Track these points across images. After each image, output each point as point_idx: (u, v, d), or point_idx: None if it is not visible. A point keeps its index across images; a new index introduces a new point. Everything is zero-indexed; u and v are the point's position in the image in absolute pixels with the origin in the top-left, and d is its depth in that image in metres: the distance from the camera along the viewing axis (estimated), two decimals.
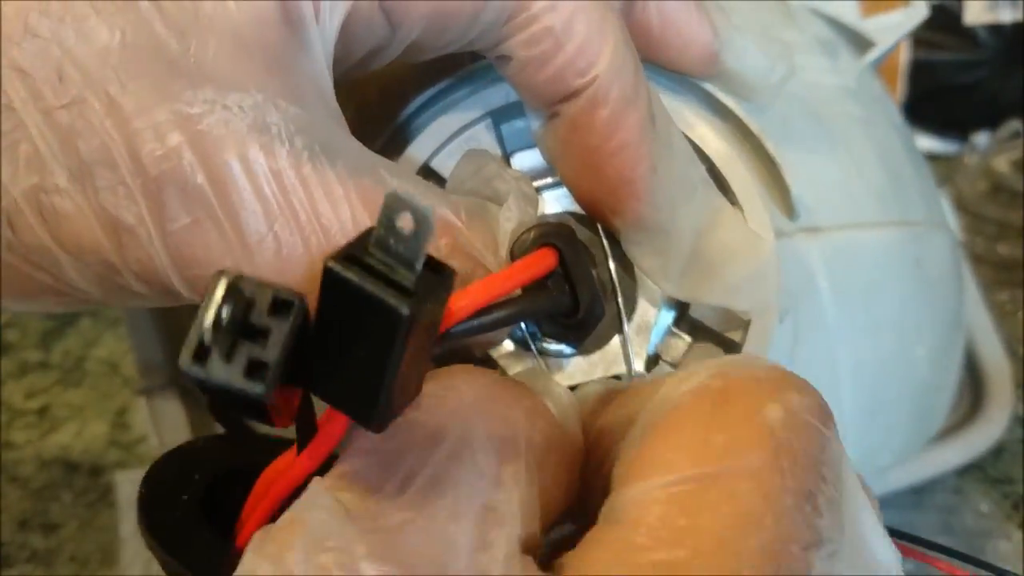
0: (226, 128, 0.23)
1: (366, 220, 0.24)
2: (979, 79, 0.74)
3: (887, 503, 0.53)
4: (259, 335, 0.19)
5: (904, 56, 0.73)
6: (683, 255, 0.29)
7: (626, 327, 0.30)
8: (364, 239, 0.19)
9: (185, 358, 0.18)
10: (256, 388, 0.18)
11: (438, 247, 0.26)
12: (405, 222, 0.19)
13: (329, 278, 0.19)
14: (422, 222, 0.19)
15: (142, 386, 0.43)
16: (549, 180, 0.32)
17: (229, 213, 0.23)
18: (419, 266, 0.19)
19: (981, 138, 0.73)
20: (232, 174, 0.23)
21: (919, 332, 0.40)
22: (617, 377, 0.31)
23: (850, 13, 0.48)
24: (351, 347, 0.19)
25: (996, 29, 0.73)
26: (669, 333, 0.33)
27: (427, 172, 0.34)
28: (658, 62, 0.33)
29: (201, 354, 0.18)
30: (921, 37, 0.71)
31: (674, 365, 0.33)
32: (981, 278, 0.59)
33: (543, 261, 0.26)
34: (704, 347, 0.33)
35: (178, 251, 0.24)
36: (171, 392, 0.42)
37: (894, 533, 0.30)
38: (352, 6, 0.25)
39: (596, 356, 0.31)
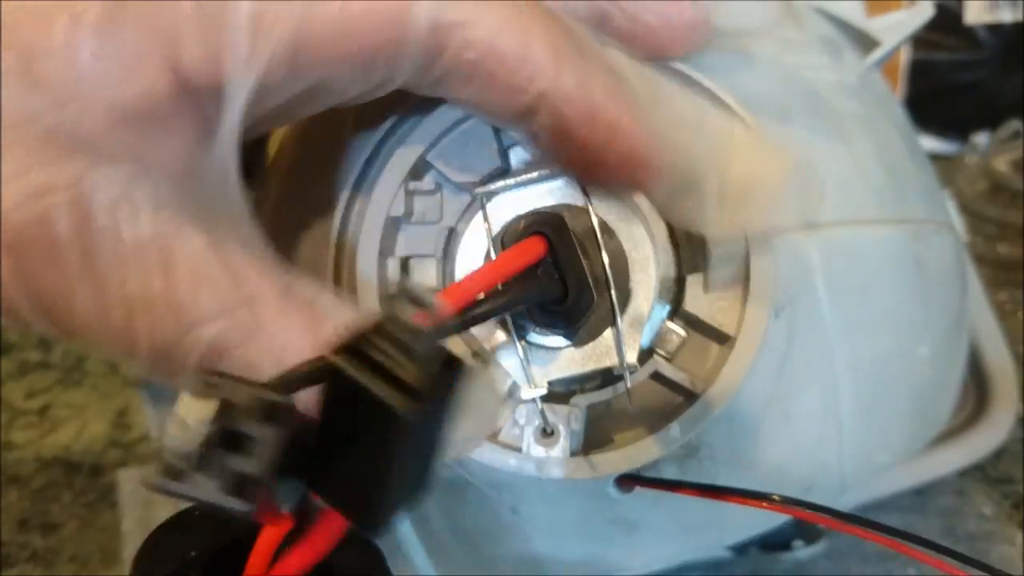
0: (94, 196, 0.24)
1: (233, 295, 0.24)
2: (979, 79, 0.74)
3: (889, 505, 0.53)
4: (241, 442, 0.17)
5: (904, 56, 0.73)
6: (713, 195, 0.29)
7: (619, 319, 0.30)
8: (374, 327, 0.18)
9: (157, 475, 0.17)
10: (243, 507, 0.17)
11: None
12: (416, 316, 0.18)
13: (331, 375, 0.18)
14: (434, 314, 0.18)
15: (142, 379, 0.42)
16: (546, 171, 0.32)
17: (93, 279, 0.24)
18: (428, 364, 0.18)
19: (981, 138, 0.73)
20: (95, 242, 0.24)
21: (919, 331, 0.40)
22: (609, 370, 0.31)
23: (855, 12, 0.48)
24: (353, 444, 0.18)
25: (996, 29, 0.72)
26: (664, 327, 0.33)
27: (424, 165, 0.34)
28: (651, 52, 0.33)
29: (175, 472, 0.17)
30: (921, 37, 0.71)
31: (668, 359, 0.33)
32: (981, 278, 0.59)
33: (532, 249, 0.26)
34: (699, 340, 0.33)
35: (46, 311, 0.24)
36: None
37: (897, 534, 0.30)
38: (263, 73, 0.26)
39: (588, 348, 0.31)
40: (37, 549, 0.55)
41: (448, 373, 0.19)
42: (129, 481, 0.58)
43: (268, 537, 0.22)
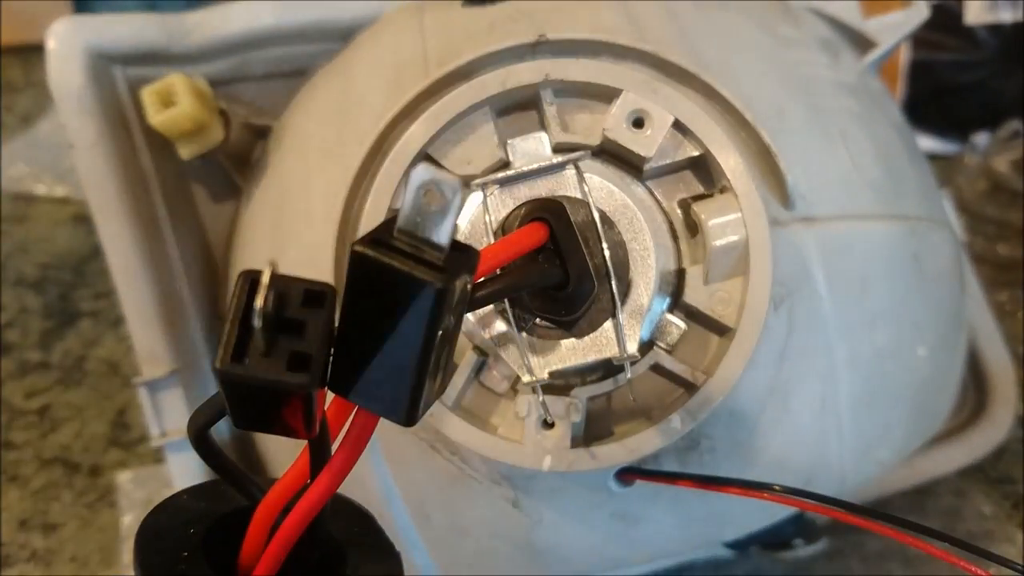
0: None
1: None
2: (979, 79, 0.74)
3: (889, 505, 0.53)
4: (295, 329, 0.19)
5: (904, 56, 0.73)
6: None
7: (619, 310, 0.30)
8: (389, 225, 0.19)
9: (224, 358, 0.18)
10: (301, 379, 0.18)
11: None
12: (432, 198, 0.19)
13: (357, 262, 0.19)
14: (450, 194, 0.19)
15: (142, 379, 0.42)
16: (546, 164, 0.32)
17: None
18: (446, 242, 0.19)
19: (981, 138, 0.73)
20: None
21: (917, 326, 0.40)
22: (609, 361, 0.31)
23: (851, 13, 0.49)
24: (382, 337, 0.19)
25: (996, 29, 0.73)
26: (664, 318, 0.33)
27: (425, 158, 0.34)
28: None
29: (239, 353, 0.18)
30: (921, 37, 0.71)
31: (668, 350, 0.33)
32: (981, 278, 0.59)
33: (534, 235, 0.26)
34: (699, 332, 0.34)
35: None
36: (173, 382, 0.42)
37: (903, 523, 0.30)
38: None
39: (588, 339, 0.31)
40: (37, 549, 0.55)
41: (463, 256, 0.20)
42: (128, 483, 0.58)
43: (266, 507, 0.22)
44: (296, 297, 0.19)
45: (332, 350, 0.19)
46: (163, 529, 0.25)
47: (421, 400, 0.20)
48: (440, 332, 0.19)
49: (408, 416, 0.20)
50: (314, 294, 0.19)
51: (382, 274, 0.19)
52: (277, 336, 0.18)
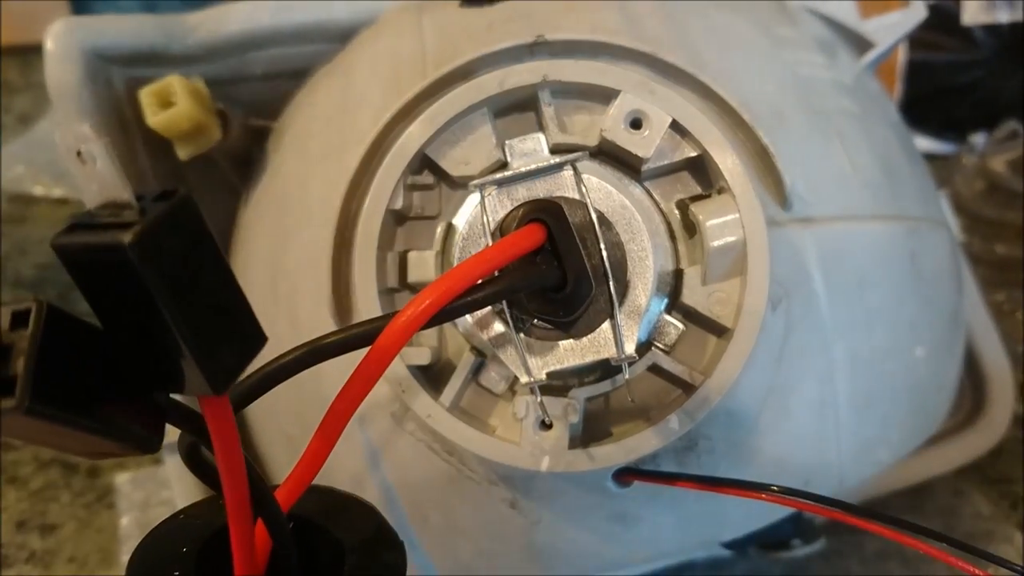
0: None
1: None
2: (976, 79, 0.74)
3: (887, 505, 0.53)
4: (7, 355, 0.17)
5: (902, 56, 0.73)
6: None
7: (617, 310, 0.30)
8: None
9: None
10: (6, 404, 0.17)
11: None
12: (85, 158, 0.18)
13: (63, 255, 0.18)
14: (92, 144, 0.18)
15: None
16: (544, 164, 0.32)
17: None
18: (128, 195, 0.18)
19: (978, 138, 0.73)
20: None
21: (915, 326, 0.40)
22: (607, 362, 0.31)
23: (849, 13, 0.49)
24: (137, 319, 0.18)
25: (994, 29, 0.73)
26: (661, 319, 0.33)
27: (423, 159, 0.34)
28: None
29: None
30: (919, 37, 0.71)
31: (666, 351, 0.33)
32: (978, 278, 0.59)
33: (532, 236, 0.26)
34: (697, 333, 0.34)
35: None
36: None
37: (901, 524, 0.30)
38: None
39: (586, 340, 0.31)
40: (35, 550, 0.55)
41: (165, 203, 0.18)
42: (127, 484, 0.58)
43: (236, 528, 0.22)
44: (5, 324, 0.18)
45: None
46: (155, 549, 0.24)
47: (217, 361, 0.19)
48: (172, 284, 0.18)
49: (212, 381, 0.19)
50: (19, 315, 0.18)
51: (87, 257, 0.18)
52: None
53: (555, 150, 0.33)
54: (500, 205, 0.32)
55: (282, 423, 0.39)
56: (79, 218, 0.18)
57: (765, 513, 0.39)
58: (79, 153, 0.18)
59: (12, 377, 0.17)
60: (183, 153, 0.41)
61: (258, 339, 0.20)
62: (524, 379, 0.31)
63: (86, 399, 0.19)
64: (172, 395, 0.20)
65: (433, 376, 0.34)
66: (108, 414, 0.19)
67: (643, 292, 0.31)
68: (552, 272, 0.27)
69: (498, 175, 0.32)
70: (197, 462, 0.23)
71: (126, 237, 0.17)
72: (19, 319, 0.18)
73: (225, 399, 0.20)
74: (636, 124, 0.33)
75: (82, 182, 0.18)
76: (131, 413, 0.20)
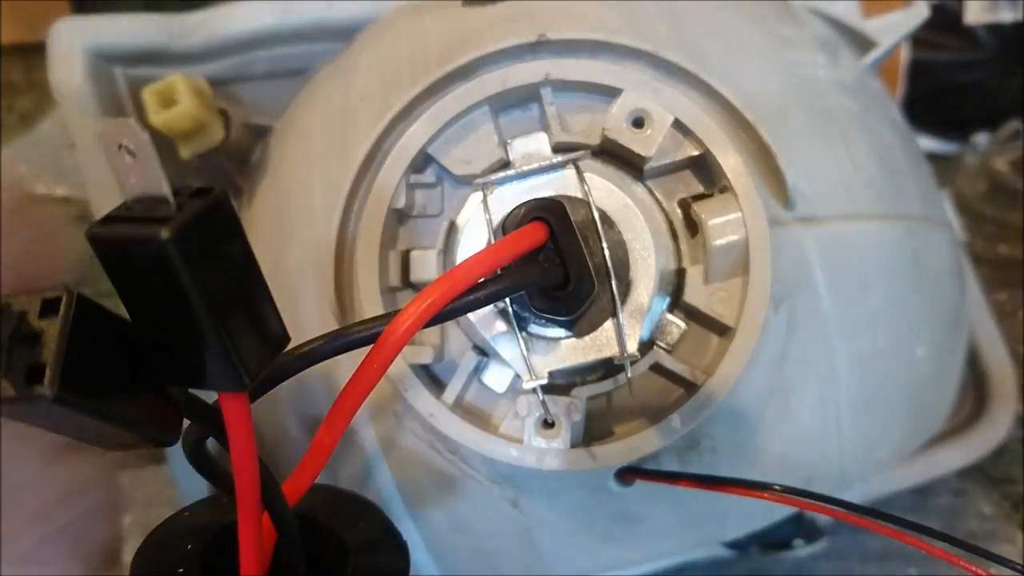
0: None
1: None
2: (979, 79, 0.73)
3: (888, 505, 0.53)
4: (35, 341, 0.18)
5: (904, 56, 0.73)
6: None
7: (619, 309, 0.30)
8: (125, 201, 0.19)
9: None
10: (38, 391, 0.17)
11: None
12: (127, 152, 0.18)
13: (97, 245, 0.18)
14: (138, 137, 0.18)
15: None
16: (546, 164, 0.32)
17: None
18: (165, 190, 0.18)
19: (980, 138, 0.73)
20: None
21: (917, 325, 0.40)
22: (609, 361, 0.31)
23: (851, 13, 0.49)
24: (166, 313, 0.18)
25: (996, 29, 0.72)
26: (664, 318, 0.33)
27: (425, 158, 0.34)
28: None
29: None
30: (921, 37, 0.71)
31: (669, 350, 0.33)
32: (980, 278, 0.59)
33: (534, 235, 0.26)
34: (699, 332, 0.34)
35: None
36: None
37: (903, 523, 0.30)
38: None
39: (589, 339, 0.31)
40: None
41: (202, 200, 0.19)
42: (129, 483, 0.58)
43: (246, 525, 0.22)
44: (35, 310, 0.18)
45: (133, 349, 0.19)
46: (160, 547, 0.24)
47: (242, 358, 0.19)
48: (204, 280, 0.18)
49: (237, 378, 0.19)
50: (49, 302, 0.18)
51: (123, 249, 0.18)
52: (15, 353, 0.17)
53: (557, 149, 0.33)
54: (502, 204, 0.32)
55: (282, 422, 0.39)
56: (115, 211, 0.18)
57: (767, 513, 0.39)
58: (121, 146, 0.18)
59: (41, 364, 0.17)
60: (185, 152, 0.41)
61: (282, 338, 0.21)
62: (526, 378, 0.31)
63: (111, 390, 0.19)
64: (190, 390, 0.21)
65: (435, 375, 0.34)
66: (130, 405, 0.20)
67: (645, 291, 0.31)
68: (554, 271, 0.27)
69: (500, 174, 0.32)
70: (202, 459, 0.23)
71: (164, 232, 0.17)
72: (49, 307, 0.18)
73: (244, 396, 0.20)
74: (638, 123, 0.33)
75: (119, 176, 0.19)
76: (151, 406, 0.20)
